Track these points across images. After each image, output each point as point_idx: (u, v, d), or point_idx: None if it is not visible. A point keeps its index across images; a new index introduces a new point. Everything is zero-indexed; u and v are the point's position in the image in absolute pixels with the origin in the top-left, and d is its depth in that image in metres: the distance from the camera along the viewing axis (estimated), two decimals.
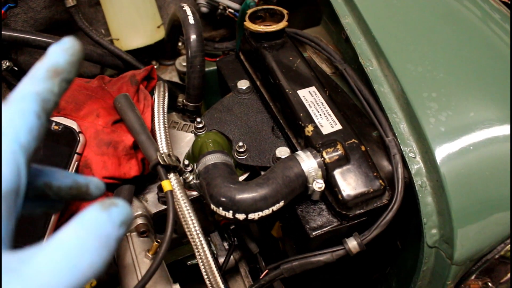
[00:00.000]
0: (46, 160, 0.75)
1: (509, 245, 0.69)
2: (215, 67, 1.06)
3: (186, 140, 0.92)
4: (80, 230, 0.29)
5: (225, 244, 0.98)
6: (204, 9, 1.24)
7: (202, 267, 0.70)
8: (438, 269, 0.72)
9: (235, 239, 0.95)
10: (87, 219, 0.30)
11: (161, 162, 0.70)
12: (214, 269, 0.70)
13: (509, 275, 0.71)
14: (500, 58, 0.77)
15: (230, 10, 1.17)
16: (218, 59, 1.01)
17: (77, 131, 0.76)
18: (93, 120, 0.79)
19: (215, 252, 0.96)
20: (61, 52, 0.35)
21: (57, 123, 0.76)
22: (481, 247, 0.69)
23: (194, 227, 0.69)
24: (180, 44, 1.32)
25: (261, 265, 0.89)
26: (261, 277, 0.75)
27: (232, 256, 0.93)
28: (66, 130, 0.76)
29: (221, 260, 0.94)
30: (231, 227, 0.97)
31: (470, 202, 0.67)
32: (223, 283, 0.70)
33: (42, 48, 0.96)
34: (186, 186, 0.75)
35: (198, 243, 0.70)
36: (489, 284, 0.73)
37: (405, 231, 0.80)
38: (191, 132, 0.95)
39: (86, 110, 0.80)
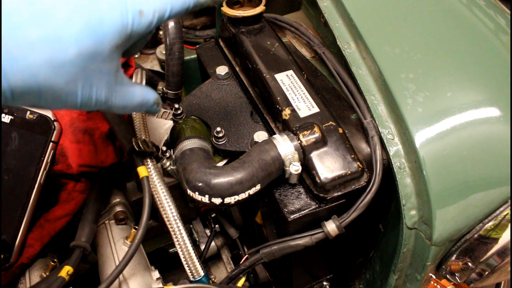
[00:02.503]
0: (21, 149, 0.74)
1: (487, 224, 0.69)
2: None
3: (165, 127, 0.91)
4: None
5: (207, 231, 0.98)
6: None
7: (180, 253, 0.70)
8: (418, 250, 0.72)
9: (217, 226, 0.95)
10: None
11: (136, 148, 0.69)
12: (193, 254, 0.70)
13: (488, 254, 0.71)
14: (478, 39, 0.76)
15: None
16: (197, 46, 1.00)
17: (52, 119, 0.75)
18: None
19: (197, 239, 0.96)
20: None
21: (32, 112, 0.75)
22: (460, 227, 0.69)
23: (172, 212, 0.69)
24: (160, 32, 1.30)
25: (241, 250, 0.89)
26: (241, 262, 0.75)
27: (214, 243, 0.93)
28: (41, 118, 0.75)
29: (203, 247, 0.93)
30: (212, 215, 0.97)
31: (448, 183, 0.67)
32: (202, 269, 0.70)
33: None
34: (164, 172, 0.74)
35: (176, 228, 0.69)
36: (469, 264, 0.73)
37: (387, 214, 0.80)
38: (170, 119, 0.94)
39: None
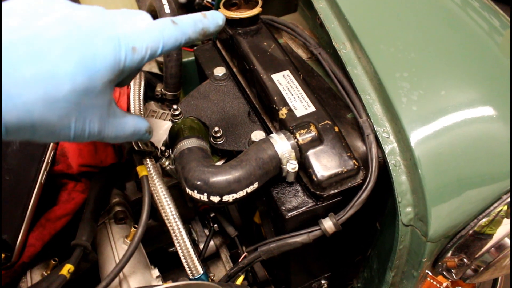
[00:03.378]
0: (22, 149, 0.75)
1: (482, 220, 0.70)
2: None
3: (164, 128, 0.92)
4: None
5: (206, 230, 0.98)
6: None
7: (179, 251, 0.71)
8: (414, 247, 0.73)
9: (215, 225, 0.95)
10: None
11: (136, 148, 0.70)
12: (192, 252, 0.70)
13: (483, 250, 0.72)
14: (471, 39, 0.78)
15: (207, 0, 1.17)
16: (195, 48, 1.01)
17: None
18: None
19: (196, 238, 0.96)
20: (216, 22, 0.59)
21: None
22: (455, 223, 0.70)
23: (171, 211, 0.70)
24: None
25: (240, 249, 0.89)
26: (239, 260, 0.76)
27: (213, 242, 0.94)
28: None
29: (202, 246, 0.94)
30: (211, 214, 0.98)
31: (443, 180, 0.67)
32: (201, 267, 0.71)
33: None
34: (164, 172, 0.75)
35: (175, 226, 0.70)
36: (465, 260, 0.74)
37: (383, 212, 0.81)
38: (169, 120, 0.95)
39: None
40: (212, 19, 0.58)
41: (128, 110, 0.83)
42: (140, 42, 0.49)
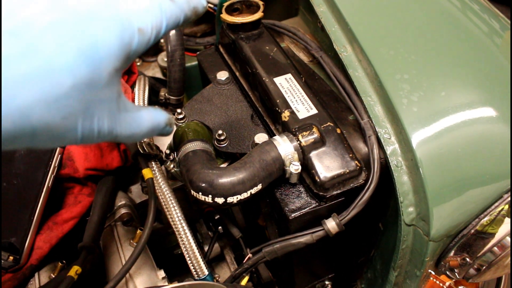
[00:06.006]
0: (29, 154, 0.76)
1: (483, 219, 0.71)
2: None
3: None
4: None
5: (210, 233, 0.99)
6: None
7: (185, 252, 0.72)
8: (416, 246, 0.74)
9: (220, 227, 0.96)
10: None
11: (141, 151, 0.71)
12: (197, 253, 0.71)
13: (485, 249, 0.73)
14: (471, 41, 0.79)
15: (210, 5, 1.19)
16: (198, 53, 1.02)
17: None
18: None
19: (201, 240, 0.97)
20: (201, 2, 0.52)
21: None
22: (457, 223, 0.70)
23: (176, 212, 0.71)
24: (162, 40, 1.33)
25: (244, 250, 0.90)
26: (244, 261, 0.77)
27: (217, 244, 0.94)
28: None
29: (207, 248, 0.95)
30: (215, 217, 0.99)
31: (444, 180, 0.68)
32: (206, 268, 0.72)
33: None
34: (168, 175, 0.76)
35: (181, 229, 0.71)
36: (467, 259, 0.75)
37: (386, 213, 0.82)
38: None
39: None
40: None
41: None
42: (145, 22, 0.44)
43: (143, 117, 0.50)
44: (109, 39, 0.40)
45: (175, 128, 0.99)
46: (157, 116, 0.52)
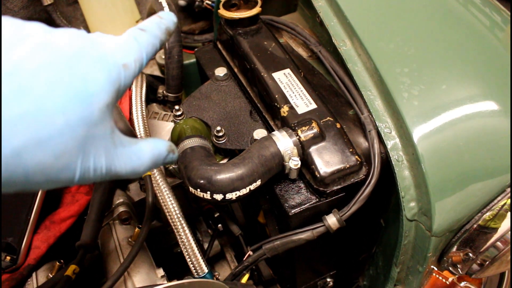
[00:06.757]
0: None
1: (486, 214, 0.70)
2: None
3: (166, 129, 0.93)
4: None
5: (210, 231, 0.99)
6: (181, 2, 1.24)
7: (184, 249, 0.71)
8: (418, 241, 0.73)
9: (220, 225, 0.96)
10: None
11: None
12: (196, 251, 0.71)
13: (488, 244, 0.72)
14: (472, 34, 0.78)
15: (207, 2, 1.18)
16: (196, 49, 1.01)
17: None
18: None
19: (200, 238, 0.97)
20: (171, 20, 0.53)
21: None
22: (459, 217, 0.69)
23: (175, 210, 0.70)
24: None
25: (245, 247, 0.90)
26: (244, 259, 0.76)
27: (217, 242, 0.94)
28: None
29: (206, 246, 0.94)
30: (215, 215, 0.98)
31: (446, 174, 0.67)
32: (206, 266, 0.71)
33: None
34: (167, 173, 0.76)
35: (179, 226, 0.70)
36: (470, 254, 0.74)
37: (387, 208, 0.81)
38: (171, 121, 0.95)
39: None
40: (168, 18, 0.53)
41: (130, 112, 0.83)
42: (128, 57, 0.46)
43: (143, 150, 0.49)
44: (98, 77, 0.41)
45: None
46: (157, 145, 0.52)
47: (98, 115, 0.41)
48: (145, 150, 0.49)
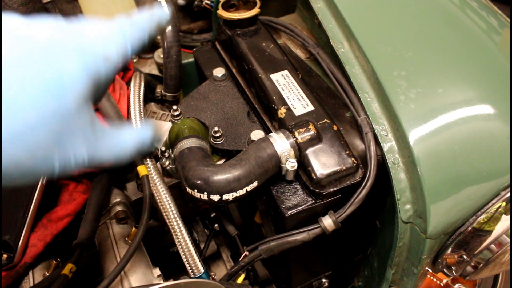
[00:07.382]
0: None
1: (480, 217, 0.70)
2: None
3: (164, 128, 0.93)
4: None
5: (207, 231, 0.99)
6: (181, 1, 1.24)
7: (180, 249, 0.71)
8: (413, 244, 0.74)
9: (216, 225, 0.96)
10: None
11: None
12: (192, 251, 0.71)
13: (482, 246, 0.73)
14: (469, 38, 0.78)
15: (206, 1, 1.18)
16: (194, 49, 1.01)
17: None
18: None
19: (197, 238, 0.97)
20: (164, 15, 0.52)
21: None
22: (454, 220, 0.70)
23: (171, 210, 0.70)
24: (158, 37, 1.32)
25: (241, 248, 0.90)
26: (240, 259, 0.76)
27: (214, 242, 0.94)
28: None
29: (203, 246, 0.95)
30: (211, 215, 0.98)
31: (441, 177, 0.68)
32: (202, 266, 0.71)
33: None
34: (164, 172, 0.76)
35: (176, 225, 0.71)
36: (464, 257, 0.74)
37: (383, 210, 0.82)
38: (169, 121, 0.96)
39: None
40: (160, 13, 0.53)
41: (128, 112, 0.83)
42: (110, 49, 0.45)
43: (125, 138, 0.49)
44: (73, 69, 0.40)
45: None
46: (141, 134, 0.51)
47: (75, 108, 0.40)
48: (128, 138, 0.49)
